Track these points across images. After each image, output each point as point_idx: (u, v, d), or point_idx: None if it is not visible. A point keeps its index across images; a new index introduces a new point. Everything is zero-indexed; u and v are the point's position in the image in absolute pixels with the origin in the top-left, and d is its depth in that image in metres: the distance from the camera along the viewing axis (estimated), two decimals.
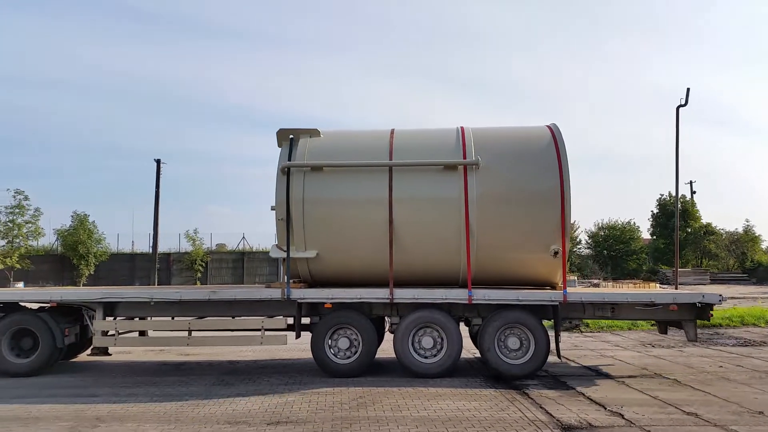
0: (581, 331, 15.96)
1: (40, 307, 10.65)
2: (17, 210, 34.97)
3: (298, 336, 10.30)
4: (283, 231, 10.25)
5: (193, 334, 10.29)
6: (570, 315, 10.59)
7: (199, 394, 8.90)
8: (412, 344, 10.16)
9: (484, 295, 10.16)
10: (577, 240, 52.45)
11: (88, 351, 12.27)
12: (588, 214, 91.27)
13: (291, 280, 10.58)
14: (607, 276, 45.07)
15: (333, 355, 10.16)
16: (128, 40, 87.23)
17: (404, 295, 10.17)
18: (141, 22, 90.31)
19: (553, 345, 10.17)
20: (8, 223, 34.75)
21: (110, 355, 12.52)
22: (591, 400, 8.58)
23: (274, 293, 10.11)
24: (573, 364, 11.37)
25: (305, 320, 10.43)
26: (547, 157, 10.36)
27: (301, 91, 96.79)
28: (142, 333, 11.02)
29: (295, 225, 10.23)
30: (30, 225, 35.49)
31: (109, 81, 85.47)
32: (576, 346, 13.63)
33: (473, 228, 10.14)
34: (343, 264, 10.50)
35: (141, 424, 7.26)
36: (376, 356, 10.41)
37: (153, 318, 10.93)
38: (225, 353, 12.51)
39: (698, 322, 10.52)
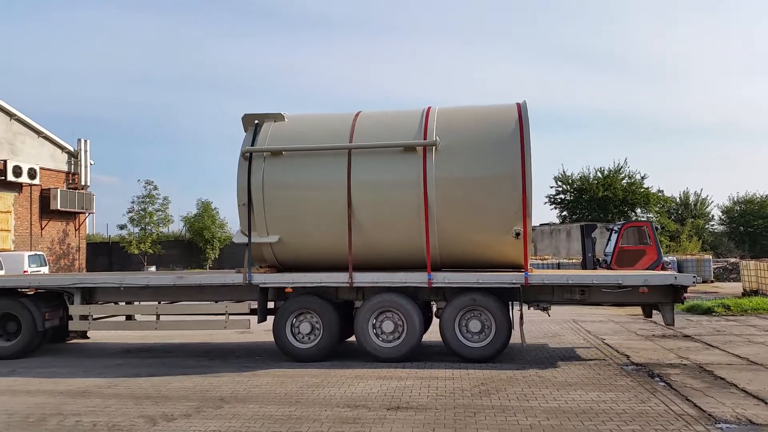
0: (721, 315, 15.47)
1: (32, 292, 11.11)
2: (148, 199, 37.05)
3: (260, 320, 10.43)
4: (245, 216, 10.38)
5: (161, 318, 10.55)
6: (537, 298, 10.43)
7: (317, 375, 8.95)
8: (374, 328, 10.20)
9: (444, 278, 10.11)
10: (709, 216, 50.09)
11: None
12: (722, 187, 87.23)
13: (260, 265, 10.77)
14: (745, 254, 42.05)
15: (294, 339, 10.26)
16: (249, 35, 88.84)
17: (364, 279, 10.20)
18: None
19: (517, 329, 10.07)
20: (141, 212, 36.89)
21: (88, 338, 12.92)
22: (747, 392, 7.70)
23: (237, 278, 10.26)
24: (718, 351, 10.76)
25: (272, 304, 10.57)
26: (508, 137, 10.17)
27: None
28: (130, 317, 11.31)
29: (256, 210, 10.32)
30: (160, 213, 37.57)
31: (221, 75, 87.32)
32: (718, 331, 13.02)
33: (432, 210, 10.07)
34: (305, 249, 10.57)
35: (263, 406, 7.30)
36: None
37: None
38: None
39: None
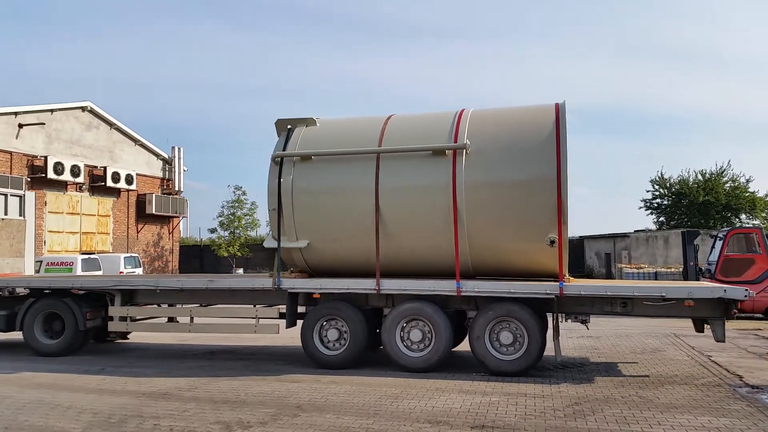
0: None
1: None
2: (237, 204, 38.81)
3: (289, 325, 10.40)
4: (275, 221, 10.41)
5: (195, 320, 10.76)
6: (576, 310, 9.85)
7: (397, 385, 8.69)
8: (401, 337, 9.96)
9: (473, 287, 9.73)
10: None
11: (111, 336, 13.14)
12: None
13: (291, 270, 10.79)
14: None
15: (322, 345, 10.18)
16: (341, 46, 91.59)
17: (391, 286, 9.98)
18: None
19: (551, 343, 9.55)
20: (230, 216, 38.68)
21: (128, 339, 13.43)
22: None
23: (266, 283, 10.31)
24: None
25: (302, 309, 10.55)
26: (543, 139, 9.68)
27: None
28: (171, 319, 11.61)
29: (285, 215, 10.33)
30: (248, 217, 39.24)
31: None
32: None
33: (462, 216, 9.73)
34: (334, 254, 10.48)
35: (340, 417, 7.12)
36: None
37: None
38: None
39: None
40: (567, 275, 10.05)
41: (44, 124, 29.44)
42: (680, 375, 9.53)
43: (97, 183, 31.73)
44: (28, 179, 28.07)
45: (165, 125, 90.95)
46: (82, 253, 29.20)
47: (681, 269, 24.03)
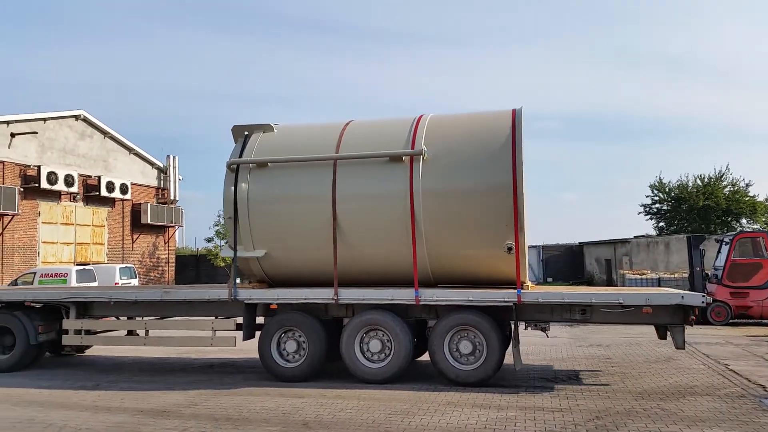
0: None
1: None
2: None
3: (246, 337, 10.20)
4: (232, 230, 10.25)
5: (150, 333, 10.60)
6: (535, 317, 9.66)
7: (406, 400, 8.35)
8: (360, 347, 9.77)
9: (432, 295, 9.55)
10: None
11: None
12: None
13: (249, 280, 10.63)
14: None
15: (280, 357, 9.99)
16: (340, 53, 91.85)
17: (350, 295, 9.80)
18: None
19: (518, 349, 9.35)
20: (226, 225, 38.07)
21: (84, 353, 13.18)
22: None
23: (222, 294, 10.14)
24: None
25: (261, 320, 10.37)
26: (499, 145, 9.50)
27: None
28: (132, 332, 11.41)
29: (241, 223, 10.16)
30: None
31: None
32: None
33: (420, 223, 9.55)
34: (293, 263, 10.30)
35: None
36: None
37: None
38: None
39: None
40: (527, 282, 9.84)
41: (37, 133, 29.37)
42: (700, 385, 9.20)
43: (92, 193, 31.67)
44: (21, 189, 28.00)
45: (159, 134, 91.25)
46: (77, 264, 29.07)
47: (685, 275, 23.62)
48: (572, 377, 9.95)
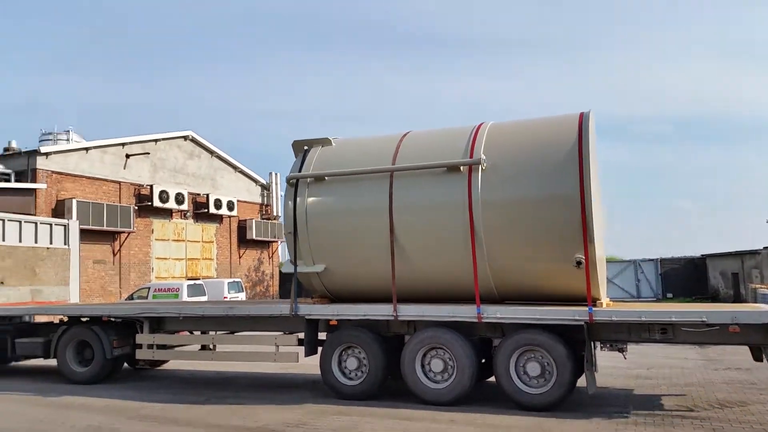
0: None
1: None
2: None
3: (308, 353, 10.04)
4: (292, 245, 10.15)
5: (217, 348, 10.66)
6: (610, 337, 8.88)
7: (526, 428, 7.74)
8: (422, 366, 9.36)
9: (495, 312, 9.00)
10: None
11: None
12: None
13: (312, 296, 10.50)
14: None
15: (341, 374, 9.75)
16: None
17: (409, 312, 9.43)
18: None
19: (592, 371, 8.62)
20: None
21: (159, 366, 13.47)
22: None
23: (284, 309, 10.04)
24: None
25: (323, 336, 10.19)
26: (564, 152, 8.85)
27: None
28: (204, 347, 11.60)
29: (300, 238, 10.04)
30: None
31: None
32: None
33: (480, 236, 9.05)
34: (351, 278, 10.05)
35: None
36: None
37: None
38: None
39: None
40: (602, 299, 9.10)
41: (149, 153, 30.96)
42: None
43: (200, 210, 33.00)
44: (136, 207, 29.55)
45: (262, 152, 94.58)
46: (188, 279, 30.30)
47: None
48: (715, 405, 8.92)
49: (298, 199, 10.09)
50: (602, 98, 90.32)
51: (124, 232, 28.64)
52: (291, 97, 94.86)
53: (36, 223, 13.64)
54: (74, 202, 25.80)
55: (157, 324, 11.22)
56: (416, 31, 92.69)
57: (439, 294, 9.67)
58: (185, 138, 33.29)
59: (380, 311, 9.54)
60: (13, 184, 25.07)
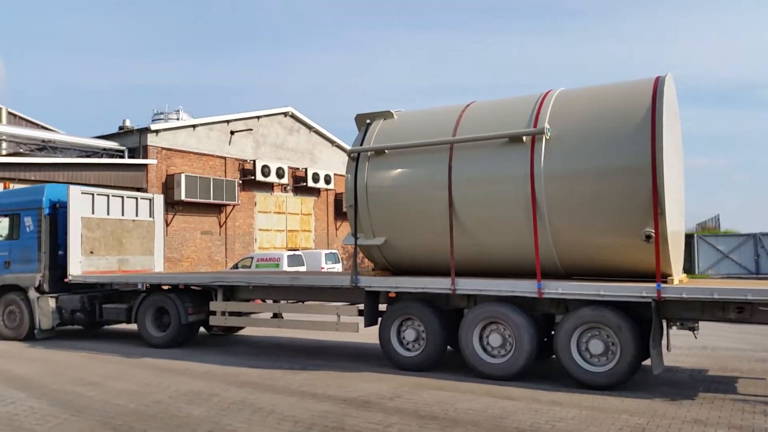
0: None
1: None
2: None
3: (368, 324, 10.07)
4: (353, 217, 10.16)
5: (284, 317, 10.92)
6: (681, 315, 8.32)
7: (640, 413, 7.12)
8: (480, 341, 9.17)
9: (557, 288, 8.63)
10: None
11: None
12: None
13: (373, 268, 10.52)
14: None
15: (400, 345, 9.74)
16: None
17: (467, 286, 9.22)
18: None
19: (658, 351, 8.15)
20: None
21: (235, 333, 13.92)
22: None
23: (345, 281, 10.09)
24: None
25: (383, 307, 10.19)
26: (635, 119, 8.30)
27: None
28: (276, 315, 11.86)
29: (361, 211, 10.03)
30: None
31: None
32: None
33: (542, 209, 8.69)
34: (411, 251, 9.95)
35: None
36: None
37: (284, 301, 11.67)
38: None
39: None
40: (676, 275, 8.55)
41: (252, 130, 31.96)
42: None
43: (299, 183, 33.78)
44: (240, 181, 30.62)
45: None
46: (288, 250, 31.19)
47: None
48: None
49: (358, 172, 10.07)
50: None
51: (229, 204, 29.77)
52: (390, 72, 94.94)
53: (123, 197, 14.34)
54: (183, 176, 27.07)
55: (230, 292, 11.56)
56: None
57: (500, 268, 9.40)
58: (285, 114, 34.05)
59: (438, 285, 9.40)
60: (126, 160, 26.61)
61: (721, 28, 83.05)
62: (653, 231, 8.04)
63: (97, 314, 13.06)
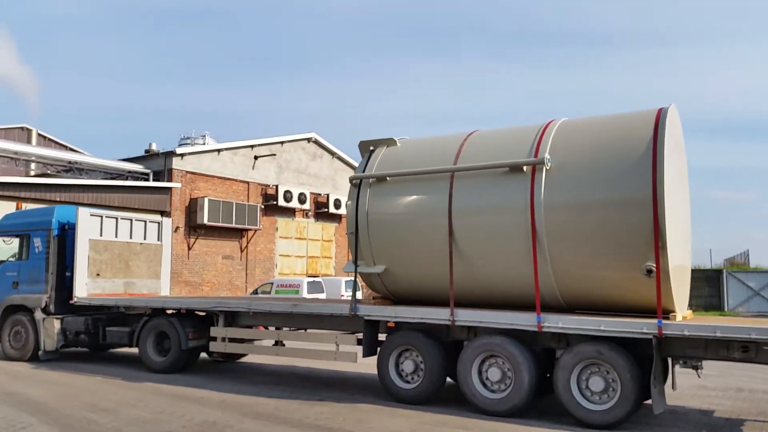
0: None
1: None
2: None
3: (366, 354, 9.90)
4: (353, 245, 10.08)
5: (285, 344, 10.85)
6: (683, 353, 8.05)
7: None
8: (479, 374, 8.97)
9: (557, 322, 8.42)
10: None
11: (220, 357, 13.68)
12: None
13: (373, 297, 10.42)
14: None
15: (398, 377, 9.56)
16: None
17: (466, 317, 9.04)
18: None
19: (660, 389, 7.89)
20: None
21: (237, 360, 13.79)
22: None
23: (343, 309, 9.98)
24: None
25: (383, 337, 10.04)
26: (636, 151, 8.14)
27: None
28: (278, 342, 11.70)
29: (361, 238, 9.95)
30: None
31: None
32: None
33: (542, 240, 8.53)
34: (412, 280, 9.82)
35: None
36: None
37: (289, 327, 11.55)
38: None
39: None
40: (680, 311, 8.30)
41: (275, 155, 32.20)
42: None
43: (321, 209, 33.84)
44: (262, 206, 30.79)
45: None
46: (308, 276, 31.09)
47: None
48: None
49: (360, 199, 10.01)
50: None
51: (251, 229, 29.90)
52: (410, 99, 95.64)
53: (131, 220, 14.46)
54: (206, 200, 27.32)
55: (232, 318, 11.49)
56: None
57: (502, 300, 9.22)
58: (308, 140, 34.28)
59: (437, 315, 9.23)
60: (150, 183, 27.01)
61: (743, 59, 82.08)
62: (654, 265, 7.83)
63: (101, 337, 13.05)
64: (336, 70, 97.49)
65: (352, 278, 27.56)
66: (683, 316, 8.44)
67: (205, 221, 27.23)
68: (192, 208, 27.55)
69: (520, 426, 8.17)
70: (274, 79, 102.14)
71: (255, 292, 25.96)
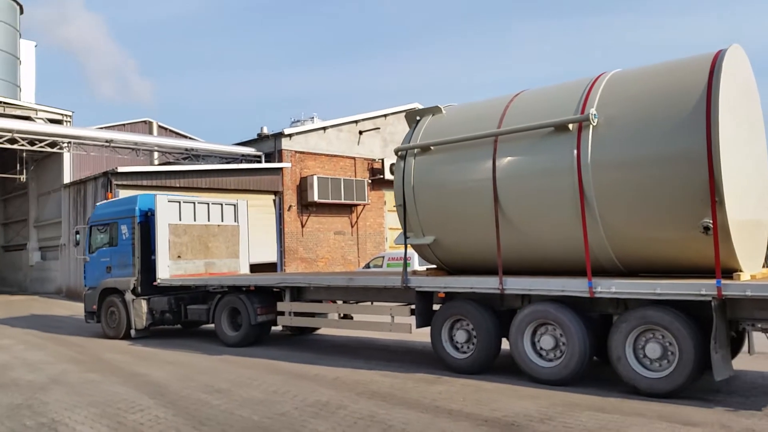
0: None
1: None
2: None
3: (419, 325, 9.76)
4: (402, 217, 9.95)
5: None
6: (751, 315, 7.38)
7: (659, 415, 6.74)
8: (531, 343, 8.68)
9: (609, 287, 7.97)
10: None
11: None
12: None
13: (428, 267, 10.28)
14: None
15: (451, 346, 9.42)
16: None
17: (516, 285, 8.75)
18: None
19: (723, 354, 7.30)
20: None
21: (309, 333, 13.98)
22: None
23: (396, 281, 9.89)
24: None
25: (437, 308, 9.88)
26: (689, 100, 7.51)
27: None
28: (346, 316, 11.79)
29: (409, 210, 9.80)
30: None
31: None
32: None
33: (591, 201, 8.09)
34: (462, 249, 9.59)
35: None
36: None
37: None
38: None
39: None
40: (749, 270, 7.69)
41: (379, 128, 32.24)
42: None
43: None
44: (369, 181, 31.01)
45: None
46: None
47: None
48: None
49: (405, 170, 9.86)
50: None
51: (359, 204, 30.36)
52: (515, 63, 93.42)
53: (208, 204, 15.10)
54: (315, 178, 27.96)
55: (297, 293, 11.68)
56: None
57: (555, 266, 8.85)
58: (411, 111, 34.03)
59: (486, 284, 8.98)
60: (262, 165, 28.10)
61: None
62: (710, 222, 7.24)
63: (183, 315, 13.80)
64: (438, 44, 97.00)
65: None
66: (753, 275, 7.78)
67: (316, 198, 27.86)
68: (302, 186, 28.28)
69: (667, 405, 7.30)
70: (373, 57, 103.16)
71: (367, 266, 26.24)
